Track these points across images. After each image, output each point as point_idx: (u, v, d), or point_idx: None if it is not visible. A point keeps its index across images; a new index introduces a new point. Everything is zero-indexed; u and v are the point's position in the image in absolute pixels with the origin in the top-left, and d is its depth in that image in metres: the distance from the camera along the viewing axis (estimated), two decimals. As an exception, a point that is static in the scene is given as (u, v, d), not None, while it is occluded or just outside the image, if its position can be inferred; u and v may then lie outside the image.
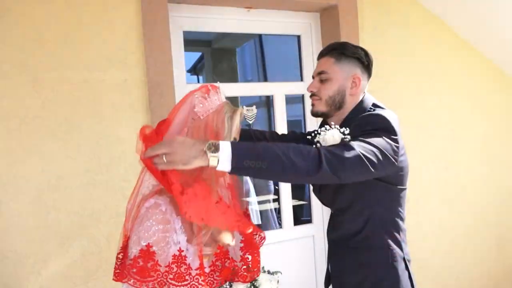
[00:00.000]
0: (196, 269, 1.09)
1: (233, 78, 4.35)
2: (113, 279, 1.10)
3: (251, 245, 1.22)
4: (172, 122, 1.18)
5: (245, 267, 1.19)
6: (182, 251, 1.11)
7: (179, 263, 1.09)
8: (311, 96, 1.56)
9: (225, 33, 2.70)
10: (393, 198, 1.47)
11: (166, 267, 1.08)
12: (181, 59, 2.35)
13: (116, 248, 1.15)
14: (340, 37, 2.56)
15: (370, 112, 1.43)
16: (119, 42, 2.04)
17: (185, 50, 2.37)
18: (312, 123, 2.71)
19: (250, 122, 2.60)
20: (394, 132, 1.36)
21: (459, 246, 3.05)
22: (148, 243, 1.06)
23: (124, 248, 1.12)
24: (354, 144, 1.26)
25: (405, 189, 1.49)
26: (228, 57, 4.11)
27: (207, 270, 1.15)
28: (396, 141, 1.35)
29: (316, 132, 1.43)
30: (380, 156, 1.27)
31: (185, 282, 1.09)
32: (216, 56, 4.08)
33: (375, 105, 1.52)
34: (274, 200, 3.56)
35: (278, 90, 2.63)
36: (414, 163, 2.83)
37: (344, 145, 1.26)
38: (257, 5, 2.49)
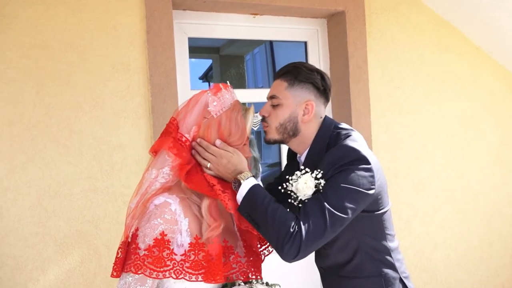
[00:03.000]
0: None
1: (241, 85, 4.32)
2: (111, 276, 1.08)
3: (253, 249, 1.24)
4: (183, 122, 1.17)
5: (246, 263, 1.19)
6: (199, 238, 1.11)
7: (196, 251, 1.10)
8: (261, 121, 1.47)
9: (233, 40, 2.69)
10: (377, 224, 1.42)
11: (182, 255, 1.09)
12: (185, 65, 2.34)
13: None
14: (347, 43, 2.52)
15: (339, 145, 1.35)
16: (123, 48, 2.04)
17: (193, 57, 2.36)
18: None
19: (255, 128, 2.56)
20: (366, 161, 1.31)
21: (471, 258, 2.95)
22: (163, 231, 1.07)
23: (125, 244, 1.11)
24: (330, 198, 1.25)
25: (386, 210, 1.44)
26: (236, 64, 4.09)
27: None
28: (370, 170, 1.30)
29: (288, 181, 1.34)
30: (357, 198, 1.27)
31: (202, 270, 1.09)
32: (224, 63, 4.06)
33: (336, 127, 1.44)
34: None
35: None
36: (424, 171, 2.80)
37: (323, 211, 1.23)
38: (263, 11, 2.47)
